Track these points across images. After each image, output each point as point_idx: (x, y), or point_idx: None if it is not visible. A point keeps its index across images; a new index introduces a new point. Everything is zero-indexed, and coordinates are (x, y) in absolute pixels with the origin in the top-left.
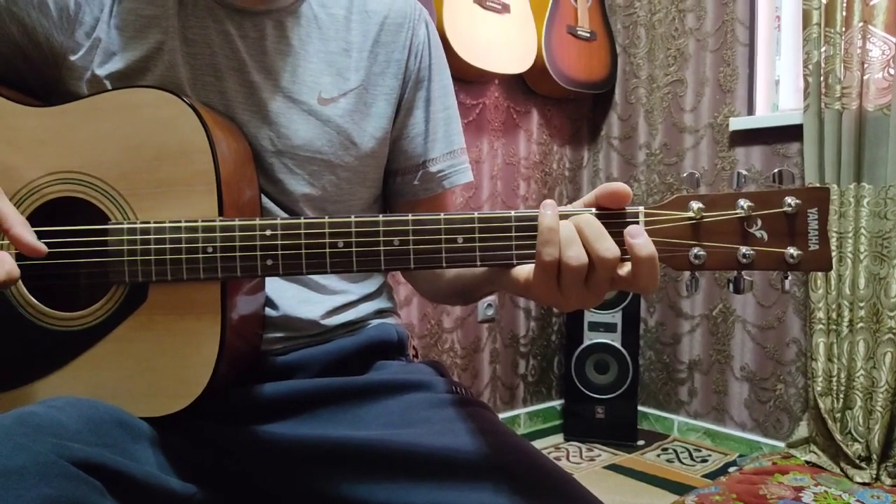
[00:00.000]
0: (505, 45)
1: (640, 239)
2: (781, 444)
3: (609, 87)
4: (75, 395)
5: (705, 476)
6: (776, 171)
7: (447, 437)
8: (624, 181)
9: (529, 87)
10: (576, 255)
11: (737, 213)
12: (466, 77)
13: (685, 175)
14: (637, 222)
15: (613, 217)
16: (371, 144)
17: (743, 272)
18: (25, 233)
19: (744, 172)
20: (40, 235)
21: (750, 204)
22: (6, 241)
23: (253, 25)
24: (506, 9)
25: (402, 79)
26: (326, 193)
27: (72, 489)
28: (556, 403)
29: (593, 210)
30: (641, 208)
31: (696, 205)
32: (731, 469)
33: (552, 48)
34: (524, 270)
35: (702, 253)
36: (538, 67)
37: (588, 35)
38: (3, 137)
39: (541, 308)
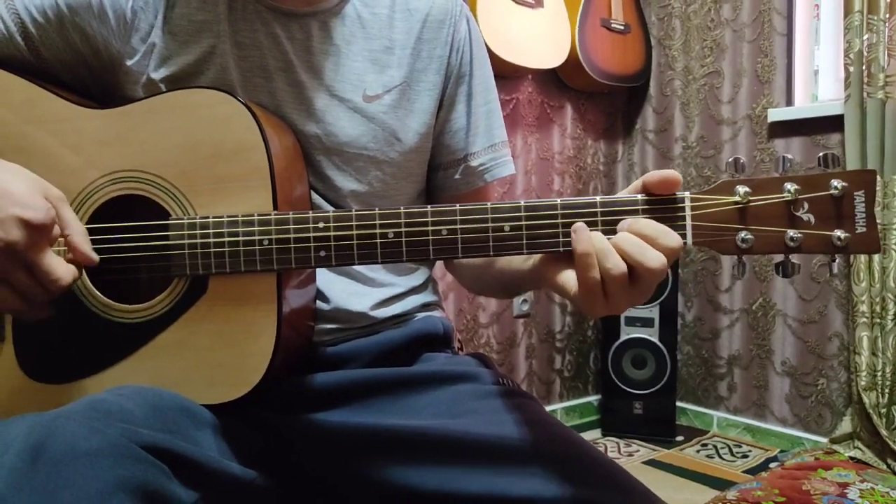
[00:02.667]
0: (538, 39)
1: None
2: (824, 440)
3: (644, 80)
4: (140, 384)
5: (746, 472)
6: (822, 154)
7: (496, 427)
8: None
9: (563, 82)
10: (614, 265)
11: (783, 197)
12: (500, 72)
13: (730, 160)
14: (683, 207)
15: (661, 203)
16: (415, 140)
17: (790, 256)
18: (83, 242)
19: (789, 157)
20: (106, 231)
21: (796, 187)
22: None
23: (299, 27)
24: (539, 3)
25: (445, 74)
26: (373, 189)
27: (142, 471)
28: (593, 399)
29: (639, 196)
30: (687, 193)
31: (742, 189)
32: (773, 465)
33: (586, 42)
34: (571, 283)
35: (749, 237)
36: (572, 61)
37: (622, 28)
38: (68, 139)
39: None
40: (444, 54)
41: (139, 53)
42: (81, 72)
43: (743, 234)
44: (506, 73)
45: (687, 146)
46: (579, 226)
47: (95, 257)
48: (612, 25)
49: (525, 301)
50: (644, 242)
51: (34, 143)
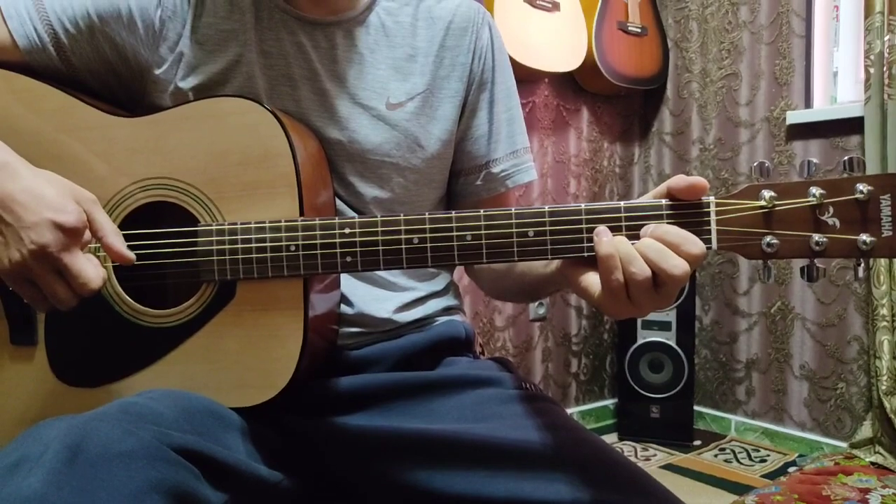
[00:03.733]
0: (555, 43)
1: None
2: (843, 445)
3: (661, 83)
4: (169, 388)
5: (764, 476)
6: (846, 158)
7: (520, 432)
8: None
9: (579, 85)
10: (639, 269)
11: (809, 201)
12: (516, 76)
13: (755, 164)
14: (708, 212)
15: (685, 207)
16: (437, 147)
17: (815, 260)
18: (117, 241)
19: (814, 161)
20: (136, 238)
21: (822, 191)
22: (96, 247)
23: (324, 36)
24: (556, 7)
25: (467, 81)
26: (395, 195)
27: (173, 473)
28: (610, 402)
29: (662, 202)
30: (712, 198)
31: (767, 193)
32: (791, 469)
33: (603, 45)
34: (595, 287)
35: (774, 241)
36: (588, 64)
37: (639, 30)
38: (99, 147)
39: (593, 307)
40: (466, 61)
41: (167, 62)
42: (110, 80)
43: (768, 238)
44: (522, 77)
45: (704, 148)
46: (601, 229)
47: (131, 255)
48: (629, 28)
49: (541, 304)
50: (667, 249)
51: (66, 150)
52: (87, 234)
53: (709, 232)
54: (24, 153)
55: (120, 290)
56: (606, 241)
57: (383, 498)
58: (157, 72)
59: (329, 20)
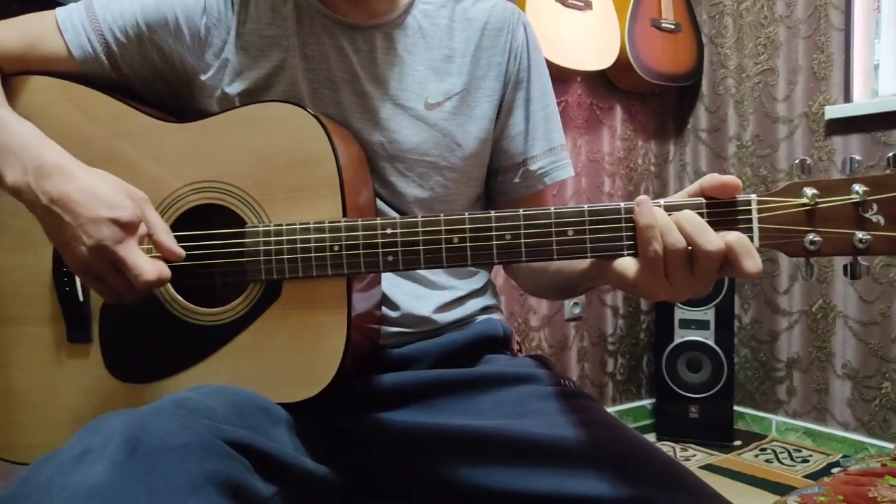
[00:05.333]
0: (587, 41)
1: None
2: (890, 445)
3: (696, 79)
4: (219, 383)
5: (806, 477)
6: (891, 154)
7: (561, 428)
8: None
9: (612, 83)
10: (675, 240)
11: (852, 199)
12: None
13: (796, 162)
14: (750, 210)
15: (726, 205)
16: (475, 145)
17: (859, 257)
18: (168, 239)
19: (857, 157)
20: (187, 239)
21: (865, 189)
22: (150, 247)
23: (364, 39)
24: (588, 5)
25: (503, 81)
26: (434, 194)
27: (226, 466)
28: (647, 402)
29: (702, 200)
30: (754, 196)
31: (809, 191)
32: (835, 470)
33: (636, 42)
34: (631, 267)
35: (817, 239)
36: (622, 62)
37: (672, 27)
38: (150, 152)
39: (629, 306)
40: (502, 61)
41: (213, 68)
42: (158, 86)
43: (811, 236)
44: (554, 76)
45: (742, 145)
46: (643, 198)
47: (181, 251)
48: (663, 25)
49: (576, 304)
50: (705, 224)
51: (119, 155)
52: (143, 229)
53: (750, 230)
54: (80, 158)
55: (171, 289)
56: (646, 210)
57: (426, 492)
58: (204, 78)
59: (368, 24)
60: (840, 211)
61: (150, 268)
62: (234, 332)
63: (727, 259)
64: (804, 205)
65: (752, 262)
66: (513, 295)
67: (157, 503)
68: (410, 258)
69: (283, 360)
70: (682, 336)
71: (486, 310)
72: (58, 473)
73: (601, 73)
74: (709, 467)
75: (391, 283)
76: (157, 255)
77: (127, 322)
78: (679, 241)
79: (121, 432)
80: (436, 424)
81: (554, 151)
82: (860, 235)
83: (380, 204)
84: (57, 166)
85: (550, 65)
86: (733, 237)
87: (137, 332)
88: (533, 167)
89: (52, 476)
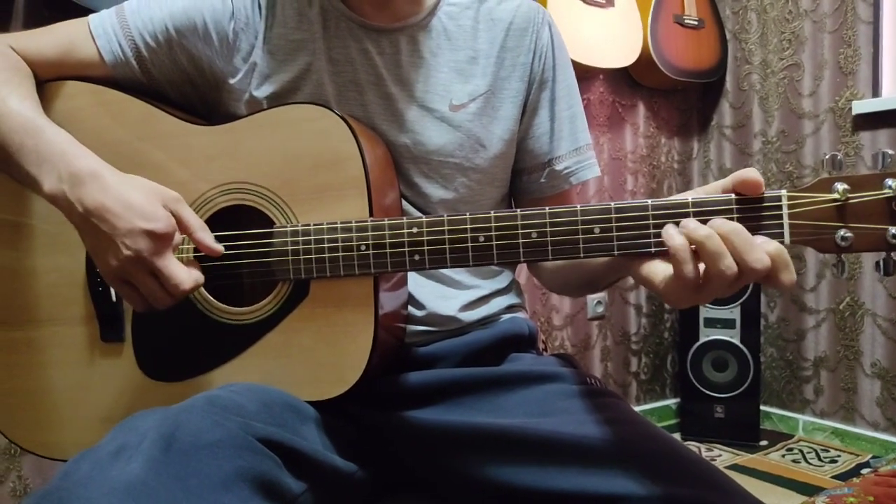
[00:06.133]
0: (609, 39)
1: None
2: None
3: (719, 75)
4: (248, 381)
5: (835, 477)
6: None
7: (587, 427)
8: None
9: (635, 80)
10: (728, 266)
11: (884, 194)
12: None
13: (826, 157)
14: (780, 206)
15: (756, 201)
16: (499, 146)
17: (892, 253)
18: (206, 236)
19: (889, 152)
20: (218, 240)
21: None
22: (185, 248)
23: (389, 42)
24: (609, 3)
25: (528, 81)
26: (459, 195)
27: (258, 462)
28: (672, 402)
29: (731, 196)
30: (784, 192)
31: (840, 186)
32: (865, 470)
33: (659, 39)
34: (658, 275)
35: (849, 235)
36: (644, 59)
37: (696, 23)
38: (179, 154)
39: (652, 304)
40: (527, 61)
41: (241, 72)
42: (187, 90)
43: (842, 231)
44: (576, 75)
45: (767, 141)
46: (669, 227)
47: (220, 247)
48: (686, 21)
49: (599, 303)
50: (753, 240)
51: (148, 158)
52: (178, 237)
53: (781, 226)
54: (110, 161)
55: (202, 289)
56: (678, 233)
57: (453, 490)
58: (232, 81)
59: (393, 27)
60: (872, 206)
61: (186, 276)
62: (263, 331)
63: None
64: (835, 200)
65: (789, 275)
66: (535, 294)
67: (192, 499)
68: (436, 257)
69: (311, 358)
70: (707, 335)
71: (510, 308)
72: (96, 469)
73: (623, 71)
74: (735, 467)
75: (416, 283)
76: (189, 255)
77: (159, 321)
78: (731, 268)
79: (155, 429)
80: (462, 422)
81: (580, 151)
82: (893, 231)
83: (405, 205)
84: (91, 174)
85: (572, 63)
86: (773, 249)
87: (169, 331)
88: (558, 167)
89: (90, 472)
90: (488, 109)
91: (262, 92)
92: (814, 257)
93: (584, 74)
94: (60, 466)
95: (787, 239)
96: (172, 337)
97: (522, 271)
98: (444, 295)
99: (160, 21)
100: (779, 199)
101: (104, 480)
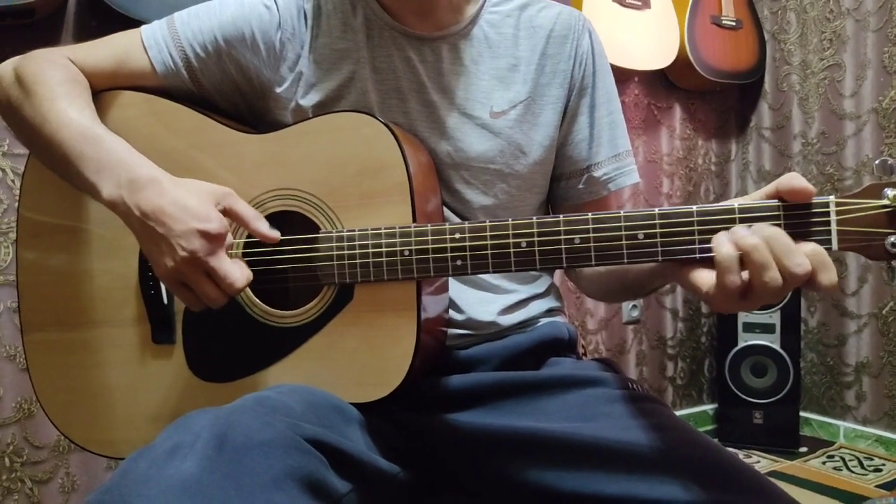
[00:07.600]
0: (645, 41)
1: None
2: None
3: (758, 76)
4: (294, 383)
5: (880, 486)
6: None
7: (630, 432)
8: (778, 173)
9: (670, 82)
10: (773, 277)
11: None
12: None
13: (877, 162)
14: (828, 212)
15: (803, 207)
16: (539, 153)
17: None
18: (262, 225)
19: None
20: (266, 245)
21: None
22: (233, 252)
23: (431, 50)
24: (646, 4)
25: (568, 87)
26: (499, 201)
27: (306, 461)
28: (709, 407)
29: (777, 202)
30: (832, 198)
31: (891, 192)
32: None
33: (696, 40)
34: (706, 284)
35: None
36: (681, 61)
37: (733, 24)
38: (229, 161)
39: (689, 309)
40: (567, 68)
41: (287, 81)
42: (235, 98)
43: (893, 238)
44: None
45: (807, 143)
46: (722, 233)
47: (276, 234)
48: (723, 22)
49: (634, 307)
50: (793, 245)
51: (200, 165)
52: (230, 238)
53: (829, 233)
54: (164, 168)
55: (250, 292)
56: (727, 242)
57: (495, 493)
58: (279, 90)
59: (435, 35)
60: None
61: (239, 274)
62: (308, 334)
63: None
64: (885, 206)
65: (828, 275)
66: (569, 298)
67: (244, 497)
68: (478, 262)
69: (355, 361)
70: (745, 340)
71: (549, 312)
72: (153, 467)
73: (659, 73)
74: (774, 474)
75: (455, 288)
76: (238, 254)
77: (209, 324)
78: (776, 279)
79: (208, 429)
80: (503, 426)
81: (619, 157)
82: None
83: (445, 211)
84: (150, 180)
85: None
86: (810, 250)
87: (218, 333)
88: (597, 173)
89: (148, 470)
90: (528, 116)
91: (307, 100)
92: (855, 261)
93: (619, 77)
94: (105, 463)
95: (834, 245)
96: (221, 339)
97: (556, 275)
98: (483, 300)
99: (209, 31)
100: (826, 205)
101: (161, 478)
